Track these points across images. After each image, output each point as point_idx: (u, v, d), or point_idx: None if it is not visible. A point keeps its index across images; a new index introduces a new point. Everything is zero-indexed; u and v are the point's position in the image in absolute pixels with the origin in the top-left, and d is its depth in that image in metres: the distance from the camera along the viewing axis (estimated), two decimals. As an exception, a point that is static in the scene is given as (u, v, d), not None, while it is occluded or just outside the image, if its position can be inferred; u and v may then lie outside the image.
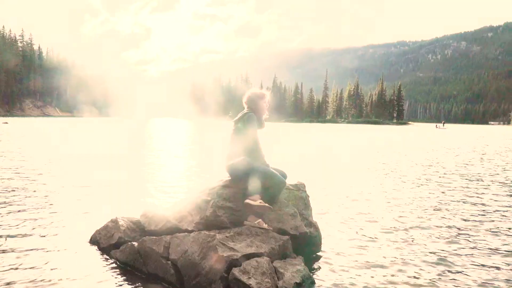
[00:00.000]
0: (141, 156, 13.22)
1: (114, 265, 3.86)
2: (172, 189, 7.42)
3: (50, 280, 3.42)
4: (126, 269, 3.79)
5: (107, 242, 4.22)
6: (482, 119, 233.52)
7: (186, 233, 3.79)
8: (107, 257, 4.03)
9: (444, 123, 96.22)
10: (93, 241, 4.37)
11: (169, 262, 3.59)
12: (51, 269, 3.64)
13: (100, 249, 4.21)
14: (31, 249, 4.08)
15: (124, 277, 3.61)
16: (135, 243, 3.93)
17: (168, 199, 6.28)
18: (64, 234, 4.62)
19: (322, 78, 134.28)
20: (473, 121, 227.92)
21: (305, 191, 4.54)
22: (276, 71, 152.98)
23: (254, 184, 4.00)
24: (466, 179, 9.73)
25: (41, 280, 3.41)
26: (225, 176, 4.37)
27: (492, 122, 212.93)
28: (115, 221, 4.41)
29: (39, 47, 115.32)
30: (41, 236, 4.51)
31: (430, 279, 3.61)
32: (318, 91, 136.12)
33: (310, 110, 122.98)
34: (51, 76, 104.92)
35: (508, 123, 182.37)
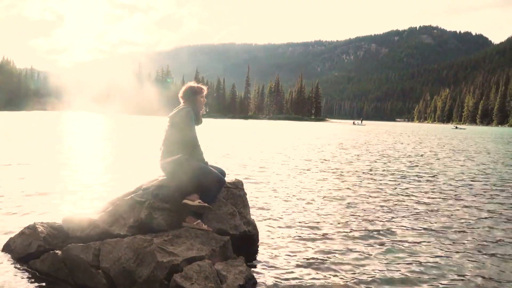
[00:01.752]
0: (57, 153, 12.14)
1: (33, 277, 3.43)
2: (98, 190, 6.82)
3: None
4: (49, 280, 3.39)
5: (24, 251, 3.75)
6: (390, 116, 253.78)
7: (118, 238, 3.49)
8: (25, 268, 3.58)
9: (362, 119, 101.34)
10: (7, 250, 3.86)
11: (100, 271, 3.27)
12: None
13: (15, 259, 3.73)
14: None
15: (47, 290, 3.23)
16: (58, 252, 3.54)
17: (95, 202, 5.78)
18: (-30, 245, 4.03)
19: (244, 74, 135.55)
20: (382, 118, 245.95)
21: (243, 189, 4.45)
22: (198, 65, 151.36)
23: (192, 183, 3.82)
24: (398, 172, 10.37)
25: None
26: (159, 175, 4.11)
27: (398, 119, 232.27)
28: (33, 228, 3.93)
29: None
30: None
31: (368, 273, 3.72)
32: (240, 87, 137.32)
33: (233, 106, 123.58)
34: None
35: (412, 120, 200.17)
